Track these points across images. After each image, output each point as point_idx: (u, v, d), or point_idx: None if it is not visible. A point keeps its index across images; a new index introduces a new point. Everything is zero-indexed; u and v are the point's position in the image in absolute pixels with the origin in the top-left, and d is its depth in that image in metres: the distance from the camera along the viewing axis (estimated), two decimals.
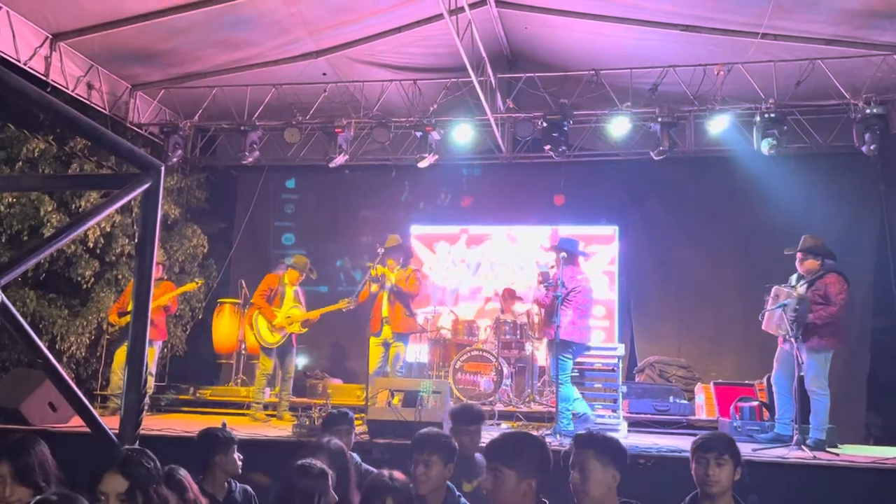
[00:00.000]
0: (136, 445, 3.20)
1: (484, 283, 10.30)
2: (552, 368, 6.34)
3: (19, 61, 7.32)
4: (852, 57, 7.56)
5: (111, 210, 3.20)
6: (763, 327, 5.97)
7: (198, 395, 8.24)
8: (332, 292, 9.85)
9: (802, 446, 5.34)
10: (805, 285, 5.87)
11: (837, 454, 5.34)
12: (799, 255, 6.04)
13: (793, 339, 5.60)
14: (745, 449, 5.46)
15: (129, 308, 3.46)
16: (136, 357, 3.48)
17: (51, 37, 7.70)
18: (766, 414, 6.38)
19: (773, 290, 5.93)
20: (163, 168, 3.52)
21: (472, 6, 7.30)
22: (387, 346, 7.25)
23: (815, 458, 5.07)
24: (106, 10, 7.44)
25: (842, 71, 7.66)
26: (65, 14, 7.45)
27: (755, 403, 6.51)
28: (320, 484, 2.85)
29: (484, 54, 7.95)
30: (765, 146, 7.74)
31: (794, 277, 6.08)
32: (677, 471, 4.88)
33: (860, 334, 8.59)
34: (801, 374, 5.75)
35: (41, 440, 3.16)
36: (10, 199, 7.75)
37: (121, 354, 7.08)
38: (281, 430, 6.02)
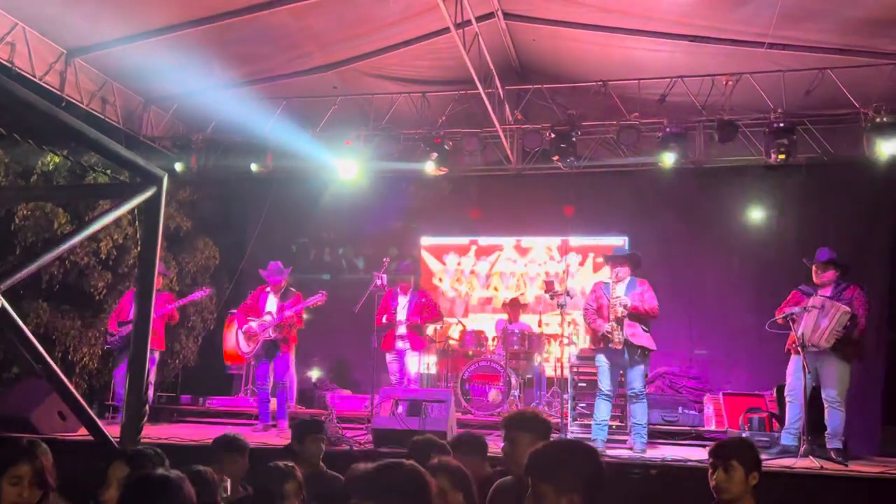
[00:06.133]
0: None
1: (494, 294, 10.30)
2: (638, 381, 6.13)
3: (35, 76, 7.46)
4: (861, 66, 7.51)
5: (110, 220, 3.26)
6: (799, 333, 5.81)
7: (207, 405, 8.28)
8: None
9: (811, 456, 5.28)
10: (829, 296, 5.83)
11: (847, 465, 5.27)
12: (817, 266, 6.01)
13: (825, 351, 5.61)
14: None
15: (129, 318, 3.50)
16: (137, 365, 3.53)
17: (66, 52, 7.85)
18: (775, 425, 6.32)
19: (819, 300, 5.80)
20: (165, 178, 3.58)
21: (479, 19, 7.35)
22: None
23: (822, 468, 5.02)
24: (120, 26, 7.57)
25: (851, 80, 7.61)
26: (80, 30, 7.59)
27: (764, 414, 6.45)
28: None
29: (492, 66, 7.99)
30: (773, 155, 7.70)
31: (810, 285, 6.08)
32: (684, 481, 4.88)
33: (875, 347, 8.48)
34: (814, 384, 5.73)
35: (46, 446, 3.19)
36: (25, 212, 7.88)
37: None
38: (286, 439, 6.03)
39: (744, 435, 6.23)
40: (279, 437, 6.47)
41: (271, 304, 7.37)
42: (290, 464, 2.99)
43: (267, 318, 7.23)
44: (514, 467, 3.14)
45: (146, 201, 3.21)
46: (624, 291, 6.15)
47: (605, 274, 9.80)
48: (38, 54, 7.52)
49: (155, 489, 2.16)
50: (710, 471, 3.04)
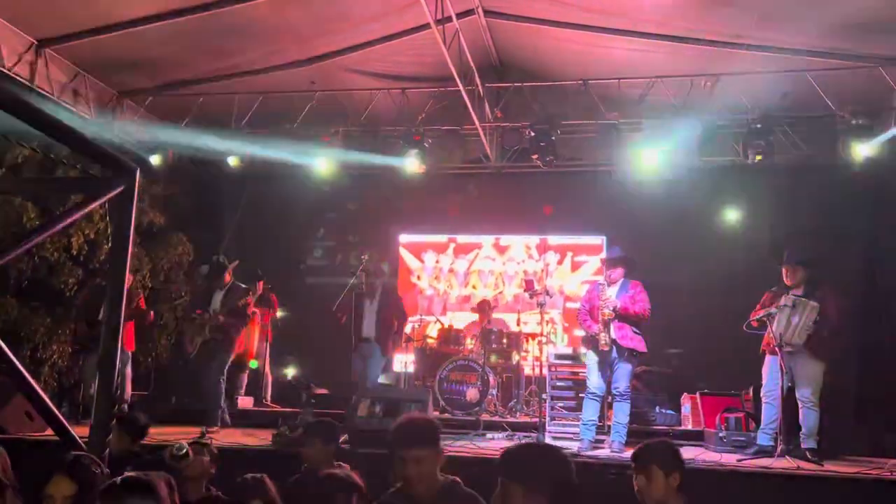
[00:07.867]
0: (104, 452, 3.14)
1: (472, 292, 10.27)
2: (623, 380, 6.05)
3: (3, 67, 7.27)
4: (838, 69, 7.58)
5: (81, 214, 3.15)
6: (772, 331, 5.82)
7: (179, 404, 8.14)
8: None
9: (787, 456, 5.31)
10: (802, 296, 5.84)
11: (822, 464, 5.31)
12: (787, 268, 6.02)
13: (799, 350, 5.62)
14: (731, 459, 5.47)
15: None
16: (107, 365, 3.42)
17: (36, 42, 7.65)
18: (751, 425, 6.35)
19: (791, 299, 5.81)
20: (137, 171, 3.48)
21: (459, 16, 7.30)
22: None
23: (798, 468, 5.04)
24: (93, 16, 7.38)
25: (828, 82, 7.67)
26: (51, 20, 7.39)
27: (741, 414, 6.47)
28: None
29: (472, 63, 7.95)
30: (751, 155, 7.75)
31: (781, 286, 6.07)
32: None
33: (848, 347, 8.56)
34: (790, 384, 5.75)
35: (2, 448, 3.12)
36: None
37: None
38: (261, 440, 5.95)
39: (720, 434, 6.25)
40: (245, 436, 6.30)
41: (216, 301, 7.19)
42: (259, 476, 2.88)
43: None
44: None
45: (118, 196, 3.11)
46: (616, 294, 6.12)
47: (585, 273, 9.92)
48: (7, 44, 7.31)
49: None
50: (634, 477, 3.07)
